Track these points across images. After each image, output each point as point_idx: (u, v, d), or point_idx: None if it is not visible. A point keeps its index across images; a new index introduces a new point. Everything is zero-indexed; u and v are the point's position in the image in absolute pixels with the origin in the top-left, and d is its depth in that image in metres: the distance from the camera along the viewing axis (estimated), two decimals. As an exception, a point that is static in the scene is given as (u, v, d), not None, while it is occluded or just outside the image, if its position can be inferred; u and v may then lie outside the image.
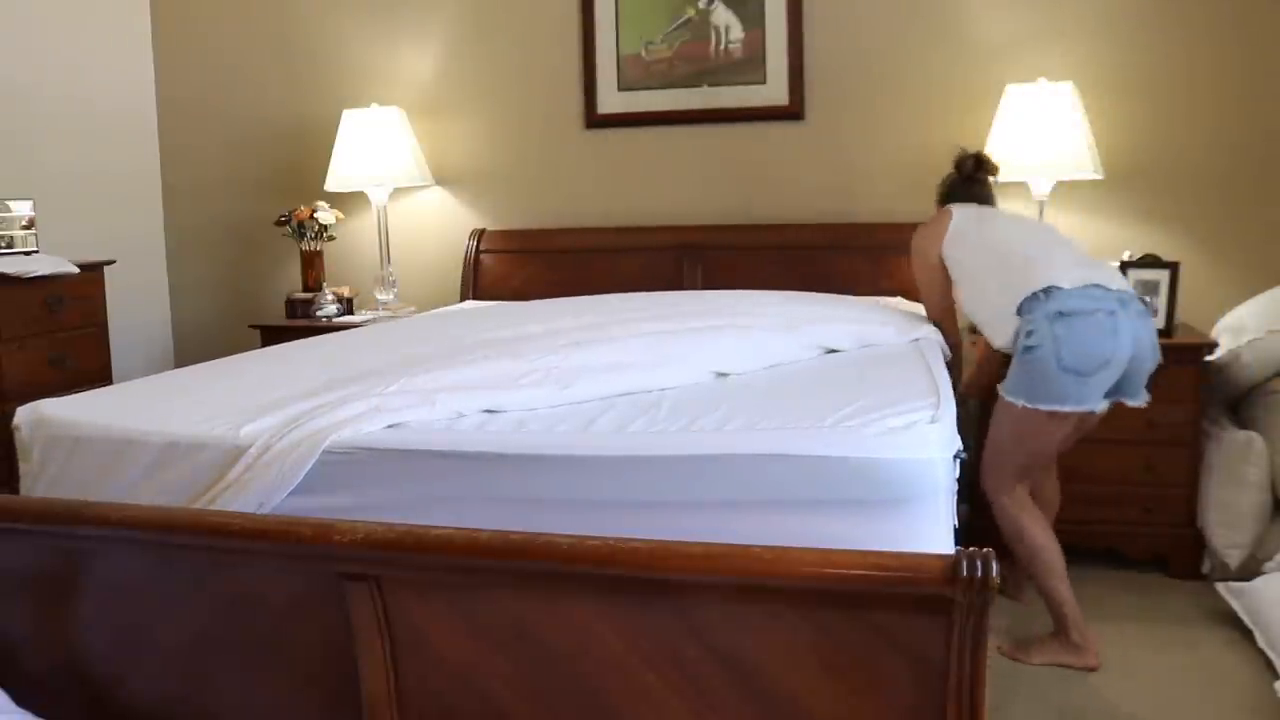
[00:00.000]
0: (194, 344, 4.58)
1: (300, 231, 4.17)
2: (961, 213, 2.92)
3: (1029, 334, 2.53)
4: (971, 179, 3.03)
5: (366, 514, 1.79)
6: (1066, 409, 2.52)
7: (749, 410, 1.97)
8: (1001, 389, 2.63)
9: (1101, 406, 2.58)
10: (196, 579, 1.78)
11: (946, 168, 3.08)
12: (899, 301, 3.49)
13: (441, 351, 2.51)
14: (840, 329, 2.64)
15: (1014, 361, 2.61)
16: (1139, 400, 2.65)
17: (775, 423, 1.89)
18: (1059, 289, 2.52)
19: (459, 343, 2.63)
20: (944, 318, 2.96)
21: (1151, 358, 2.60)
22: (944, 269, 2.89)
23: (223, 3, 4.51)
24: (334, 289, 4.15)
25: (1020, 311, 2.58)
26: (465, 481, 1.88)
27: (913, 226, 3.07)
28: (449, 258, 4.29)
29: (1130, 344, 2.51)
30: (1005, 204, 3.80)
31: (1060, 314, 2.49)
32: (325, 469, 1.90)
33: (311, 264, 4.24)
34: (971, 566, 1.37)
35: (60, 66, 4.11)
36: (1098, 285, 2.54)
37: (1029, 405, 2.54)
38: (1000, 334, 2.67)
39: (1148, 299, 3.01)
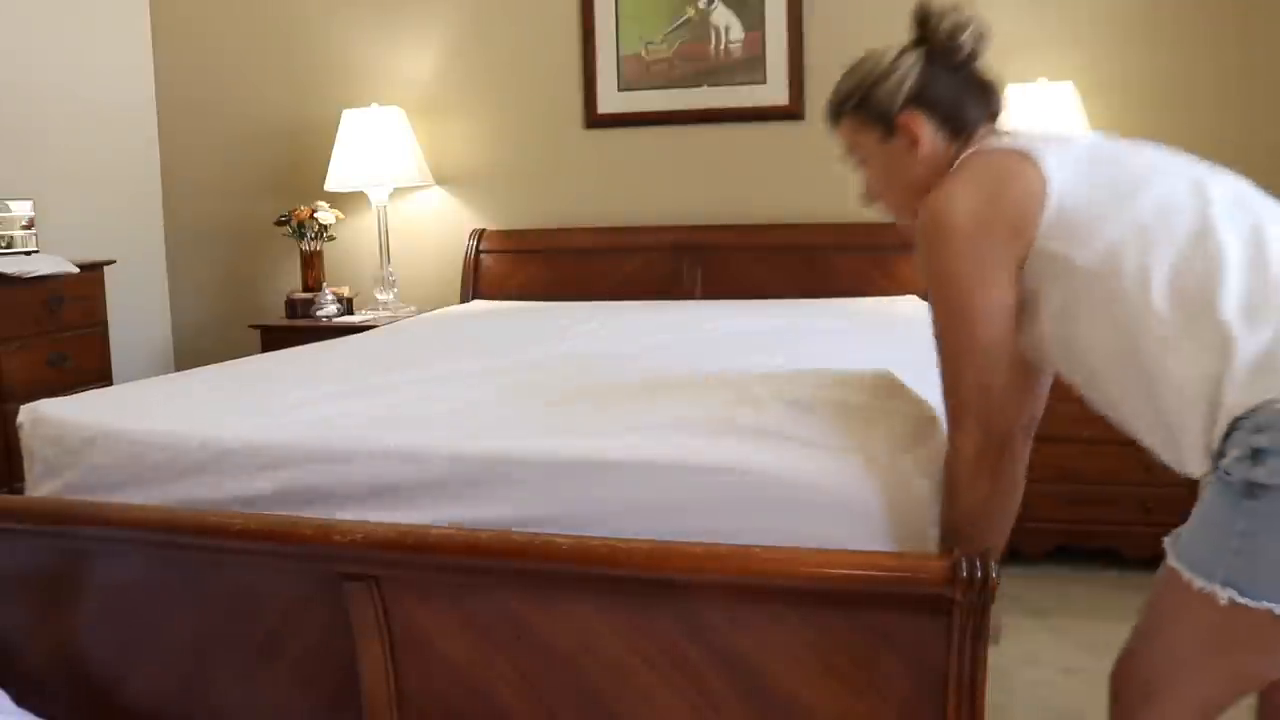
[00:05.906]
0: (194, 344, 4.57)
1: (300, 231, 4.17)
2: (1061, 157, 1.52)
3: (1259, 455, 1.29)
4: (966, 67, 1.71)
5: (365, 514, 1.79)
6: None
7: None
8: (1180, 561, 1.39)
9: None
10: (196, 579, 1.79)
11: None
12: (911, 300, 3.46)
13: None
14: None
15: (1212, 505, 1.38)
16: None
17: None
18: None
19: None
20: (1003, 421, 1.51)
21: None
22: (1015, 295, 1.48)
23: (223, 3, 4.50)
24: (334, 289, 4.15)
25: (1241, 400, 1.33)
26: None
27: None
28: (449, 258, 4.28)
29: None
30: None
31: None
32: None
33: (311, 264, 4.23)
34: (971, 567, 1.38)
35: (60, 66, 4.10)
36: None
37: (1243, 600, 1.28)
38: (1181, 448, 1.47)
39: None
